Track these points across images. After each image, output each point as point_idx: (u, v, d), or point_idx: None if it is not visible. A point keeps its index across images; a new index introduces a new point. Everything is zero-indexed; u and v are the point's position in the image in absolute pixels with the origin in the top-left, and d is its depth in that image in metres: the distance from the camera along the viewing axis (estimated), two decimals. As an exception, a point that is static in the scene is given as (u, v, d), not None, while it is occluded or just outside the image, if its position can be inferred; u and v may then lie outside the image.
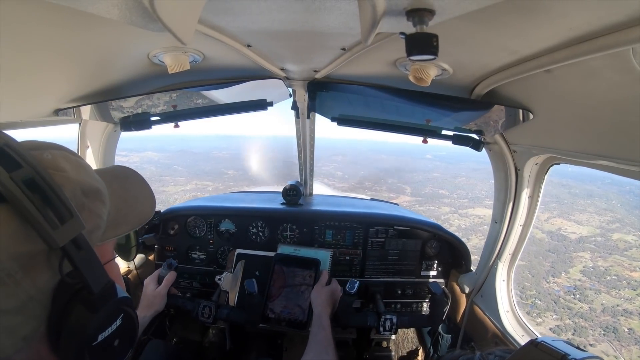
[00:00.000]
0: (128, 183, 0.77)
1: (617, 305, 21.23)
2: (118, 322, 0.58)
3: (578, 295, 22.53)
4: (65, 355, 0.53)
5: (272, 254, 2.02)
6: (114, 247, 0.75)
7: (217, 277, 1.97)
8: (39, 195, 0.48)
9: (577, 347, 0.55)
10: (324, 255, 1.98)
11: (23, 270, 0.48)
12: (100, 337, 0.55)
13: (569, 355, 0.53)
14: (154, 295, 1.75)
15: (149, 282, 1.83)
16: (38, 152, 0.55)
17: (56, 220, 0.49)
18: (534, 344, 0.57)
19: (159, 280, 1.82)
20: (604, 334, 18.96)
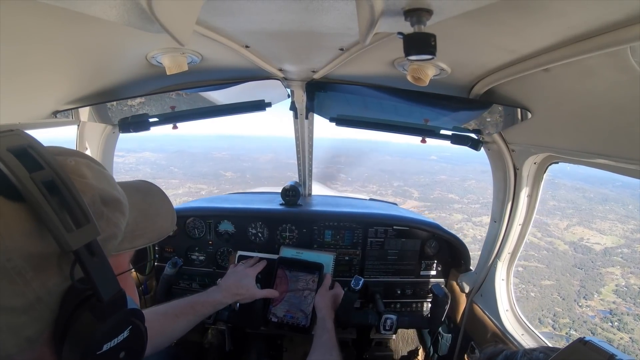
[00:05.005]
0: (150, 197, 0.76)
1: (661, 334, 19.39)
2: (125, 333, 0.57)
3: (616, 323, 20.66)
4: None
5: (274, 256, 2.01)
6: (130, 260, 0.73)
7: (219, 279, 1.96)
8: (58, 198, 0.48)
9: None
10: (327, 259, 1.98)
11: (34, 270, 0.47)
12: (106, 347, 0.54)
13: (616, 355, 0.53)
14: (250, 292, 1.68)
15: (251, 274, 1.75)
16: (62, 157, 0.55)
17: (72, 224, 0.49)
18: (582, 342, 0.57)
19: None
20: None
